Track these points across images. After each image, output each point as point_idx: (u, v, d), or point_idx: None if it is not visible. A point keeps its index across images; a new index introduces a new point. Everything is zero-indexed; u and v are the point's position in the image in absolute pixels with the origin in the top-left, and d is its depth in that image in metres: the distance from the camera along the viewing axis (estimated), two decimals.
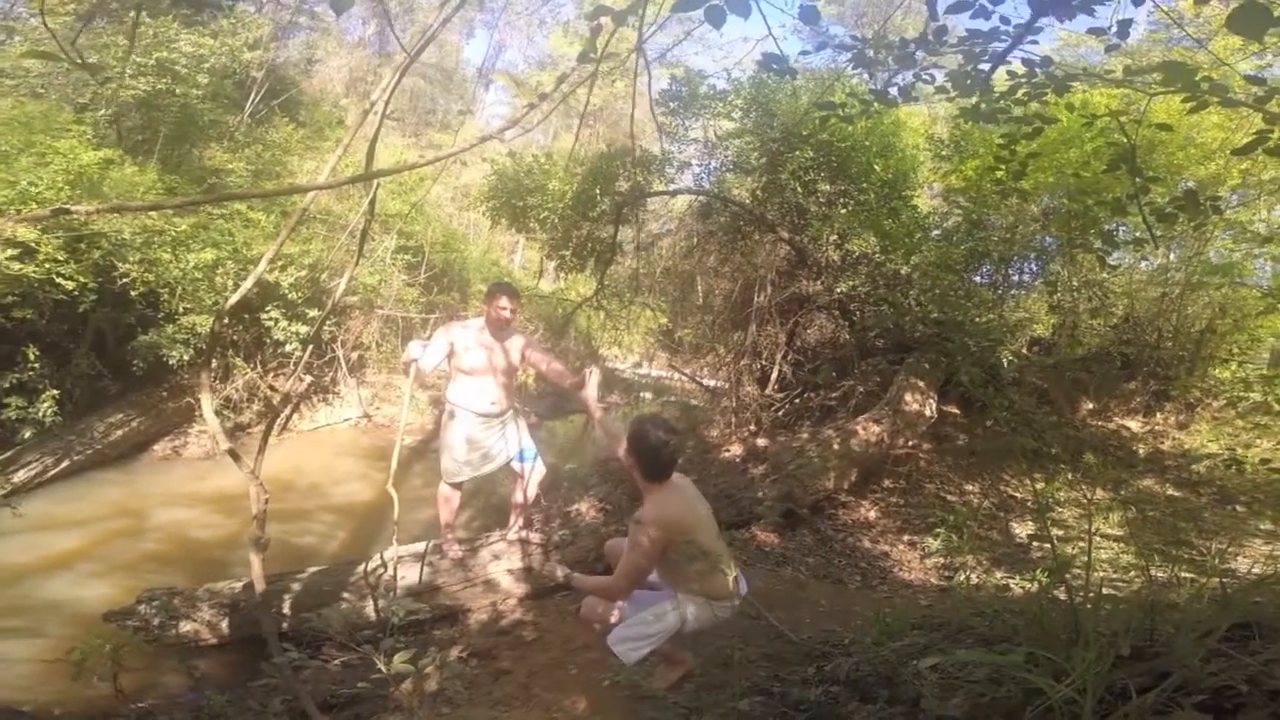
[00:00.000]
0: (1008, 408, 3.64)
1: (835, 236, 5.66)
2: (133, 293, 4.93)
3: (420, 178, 8.13)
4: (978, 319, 4.92)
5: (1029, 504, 4.52)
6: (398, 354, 6.56)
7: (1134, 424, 5.69)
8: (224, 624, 2.80)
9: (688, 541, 2.08)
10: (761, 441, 5.14)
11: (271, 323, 5.94)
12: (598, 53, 2.01)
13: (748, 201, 5.90)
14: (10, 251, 4.09)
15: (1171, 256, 6.06)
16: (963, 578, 3.40)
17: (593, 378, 2.72)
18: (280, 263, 5.69)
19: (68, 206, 1.14)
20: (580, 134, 7.60)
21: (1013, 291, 6.17)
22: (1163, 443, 5.41)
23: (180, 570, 3.54)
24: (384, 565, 2.92)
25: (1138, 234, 2.99)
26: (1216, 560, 2.33)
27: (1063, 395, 5.43)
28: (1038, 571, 2.68)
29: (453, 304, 8.68)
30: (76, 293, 4.44)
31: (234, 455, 2.03)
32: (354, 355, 7.13)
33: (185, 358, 5.17)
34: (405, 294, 7.53)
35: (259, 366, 6.20)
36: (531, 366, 3.29)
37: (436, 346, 3.07)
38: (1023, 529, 4.24)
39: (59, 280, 4.33)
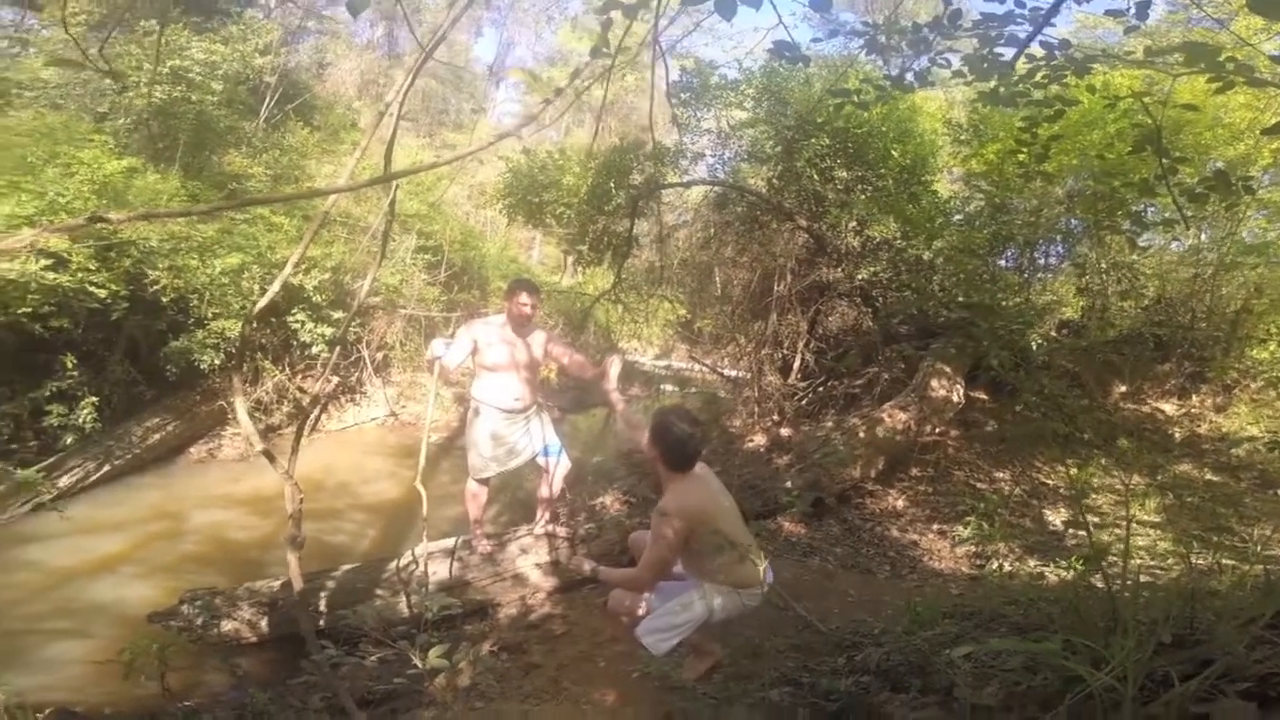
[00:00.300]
0: (1038, 392, 3.57)
1: (854, 223, 5.60)
2: (163, 299, 5.04)
3: (437, 178, 8.19)
4: (1004, 302, 4.84)
5: (1062, 490, 4.46)
6: (421, 353, 6.64)
7: (1169, 407, 5.56)
8: (264, 622, 2.88)
9: (713, 531, 2.08)
10: (785, 431, 5.12)
11: (298, 325, 6.05)
12: (610, 47, 2.01)
13: (764, 190, 5.86)
14: (44, 262, 4.20)
15: (1203, 237, 5.90)
16: (995, 566, 3.37)
17: (613, 368, 2.73)
18: (304, 266, 5.79)
19: (102, 214, 1.17)
20: (594, 128, 7.60)
21: (1039, 275, 6.06)
22: (1200, 426, 5.29)
23: (220, 570, 3.63)
24: (415, 562, 2.97)
25: (1167, 215, 2.91)
26: (1259, 547, 2.28)
27: (1094, 378, 5.32)
28: (1073, 559, 2.64)
29: (473, 301, 8.76)
30: (109, 301, 4.55)
31: (269, 456, 2.08)
32: (379, 355, 7.24)
33: (216, 362, 5.29)
34: (426, 293, 7.61)
35: (287, 369, 6.31)
36: (553, 361, 3.32)
37: (460, 344, 3.12)
38: (1056, 516, 4.17)
39: (92, 289, 4.44)
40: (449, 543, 3.24)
